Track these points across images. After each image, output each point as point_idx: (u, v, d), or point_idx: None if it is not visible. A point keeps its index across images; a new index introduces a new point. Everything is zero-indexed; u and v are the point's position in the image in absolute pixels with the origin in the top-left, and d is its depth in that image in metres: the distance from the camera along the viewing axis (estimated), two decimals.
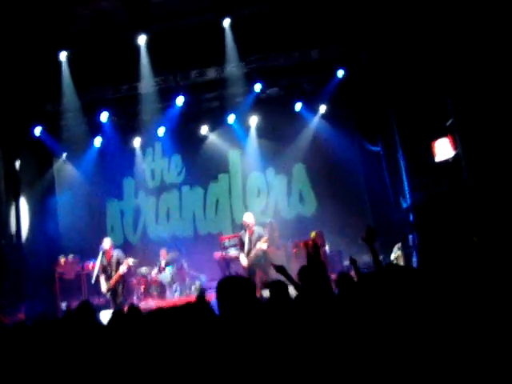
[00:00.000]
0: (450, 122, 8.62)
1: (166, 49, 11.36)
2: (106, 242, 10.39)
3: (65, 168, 14.01)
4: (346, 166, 12.65)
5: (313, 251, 5.52)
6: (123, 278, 10.37)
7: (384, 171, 11.86)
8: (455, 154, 8.68)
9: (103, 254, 10.33)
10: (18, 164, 12.79)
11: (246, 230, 10.13)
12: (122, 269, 10.02)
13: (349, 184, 12.58)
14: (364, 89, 11.96)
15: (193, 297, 10.42)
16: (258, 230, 10.08)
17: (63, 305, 11.01)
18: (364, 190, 12.53)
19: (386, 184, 11.81)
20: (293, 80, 12.36)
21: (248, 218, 10.20)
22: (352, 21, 10.83)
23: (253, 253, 9.84)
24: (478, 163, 8.03)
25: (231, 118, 13.26)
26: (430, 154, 9.37)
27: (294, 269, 10.44)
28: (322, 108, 12.96)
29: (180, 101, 12.40)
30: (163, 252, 12.25)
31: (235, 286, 2.80)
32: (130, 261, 10.28)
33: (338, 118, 12.94)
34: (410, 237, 10.65)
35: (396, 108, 10.80)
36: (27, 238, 12.54)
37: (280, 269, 5.42)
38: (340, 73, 11.85)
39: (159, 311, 4.40)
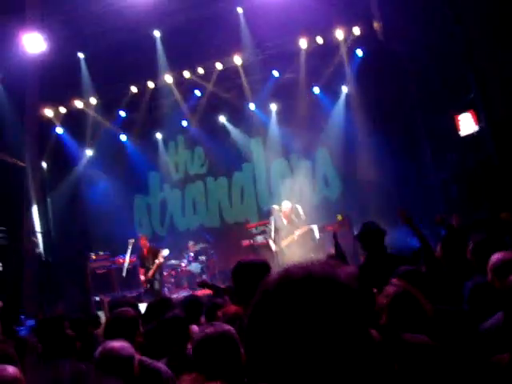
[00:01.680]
0: (471, 95, 8.47)
1: (181, 41, 11.39)
2: (141, 237, 10.83)
3: (90, 166, 14.16)
4: (369, 147, 12.50)
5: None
6: (161, 269, 10.81)
7: (408, 148, 11.70)
8: (479, 129, 8.53)
9: (139, 248, 10.73)
10: (44, 164, 13.07)
11: (275, 217, 10.17)
12: (159, 260, 10.45)
13: (373, 164, 12.42)
14: (383, 67, 11.79)
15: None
16: (293, 218, 10.17)
17: (96, 299, 11.24)
18: (389, 169, 12.37)
19: (411, 161, 11.66)
20: (311, 64, 12.24)
21: (286, 206, 10.27)
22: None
23: (286, 241, 9.88)
24: (504, 137, 7.88)
25: (252, 106, 13.24)
26: (454, 128, 9.21)
27: (321, 253, 10.54)
28: (343, 89, 12.81)
29: (199, 92, 12.45)
30: (191, 244, 12.38)
31: (251, 270, 2.75)
32: (165, 252, 10.75)
33: (358, 99, 12.78)
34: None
35: (418, 83, 10.65)
36: (58, 237, 12.83)
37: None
38: (359, 52, 11.69)
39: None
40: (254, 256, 10.97)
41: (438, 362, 2.11)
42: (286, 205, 10.30)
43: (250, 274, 2.71)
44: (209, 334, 2.30)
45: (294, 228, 10.04)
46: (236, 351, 2.27)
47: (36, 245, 12.06)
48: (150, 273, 10.59)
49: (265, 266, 2.80)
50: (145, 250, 10.84)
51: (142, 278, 10.71)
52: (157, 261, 10.59)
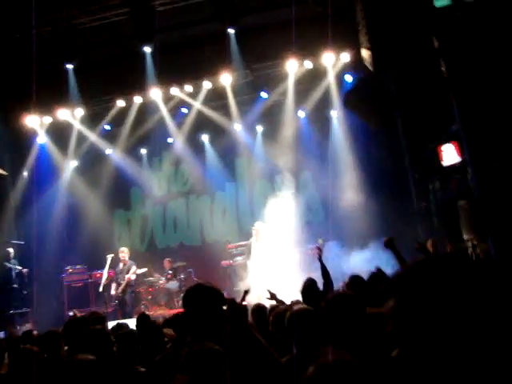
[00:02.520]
0: (455, 127, 8.58)
1: (171, 58, 11.42)
2: (124, 251, 10.73)
3: (73, 179, 14.02)
4: (352, 172, 12.59)
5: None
6: (131, 287, 10.62)
7: (390, 176, 11.81)
8: (461, 160, 8.63)
9: (115, 262, 10.60)
10: (25, 174, 12.91)
11: (255, 238, 10.18)
12: (131, 276, 10.33)
13: (356, 192, 12.48)
14: (370, 95, 11.92)
15: None
16: (266, 239, 10.17)
17: (70, 313, 11.03)
18: (372, 196, 12.44)
19: (393, 189, 11.74)
20: (299, 87, 12.35)
21: (259, 226, 10.26)
22: (357, 29, 10.84)
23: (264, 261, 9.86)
24: (485, 170, 7.97)
25: (237, 127, 13.29)
26: (437, 159, 9.32)
27: (302, 276, 10.48)
28: (332, 114, 12.92)
29: (186, 110, 12.48)
30: (166, 262, 12.24)
31: (202, 294, 2.68)
32: (139, 270, 10.61)
33: (344, 124, 12.90)
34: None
35: (402, 113, 10.78)
36: (35, 248, 12.61)
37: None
38: (348, 78, 11.83)
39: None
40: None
41: None
42: (258, 225, 10.33)
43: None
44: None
45: (265, 248, 10.06)
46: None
47: (9, 255, 11.80)
48: (120, 289, 10.46)
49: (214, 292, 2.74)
50: (121, 265, 10.71)
51: (113, 292, 10.59)
52: (127, 276, 10.44)
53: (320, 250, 6.34)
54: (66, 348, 4.47)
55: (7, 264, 11.44)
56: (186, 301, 2.69)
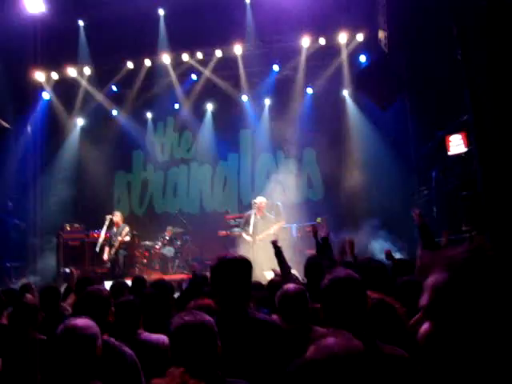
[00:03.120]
0: (465, 117, 8.53)
1: (184, 24, 11.28)
2: (117, 215, 10.73)
3: (77, 137, 13.98)
4: (357, 155, 12.58)
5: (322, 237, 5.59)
6: (125, 249, 10.69)
7: (395, 161, 11.79)
8: (468, 150, 8.61)
9: (112, 224, 10.60)
10: (29, 129, 12.85)
11: (255, 211, 10.18)
12: (125, 238, 10.40)
13: (358, 172, 12.48)
14: (382, 77, 11.83)
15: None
16: (269, 216, 10.20)
17: (67, 270, 11.12)
18: (373, 179, 12.44)
19: (396, 174, 11.75)
20: (311, 63, 12.24)
21: (262, 201, 10.27)
22: (374, 7, 10.70)
23: (261, 235, 9.88)
24: (491, 161, 7.96)
25: (244, 98, 13.21)
26: (443, 148, 9.29)
27: (297, 252, 10.58)
28: (344, 93, 12.82)
29: (194, 76, 12.37)
30: (169, 229, 12.28)
31: (231, 266, 2.72)
32: (129, 232, 10.67)
33: (355, 104, 12.84)
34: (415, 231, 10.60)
35: (412, 98, 10.72)
36: (34, 203, 12.66)
37: (276, 247, 5.40)
38: (362, 58, 11.69)
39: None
40: (230, 250, 10.98)
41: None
42: (260, 199, 10.33)
43: (231, 271, 2.71)
44: (188, 322, 2.25)
45: (267, 223, 10.08)
46: (214, 343, 2.24)
47: (7, 208, 11.85)
48: (113, 250, 10.55)
49: (245, 263, 2.79)
50: (115, 227, 10.76)
51: (105, 256, 10.63)
52: (119, 237, 10.53)
53: (315, 227, 6.33)
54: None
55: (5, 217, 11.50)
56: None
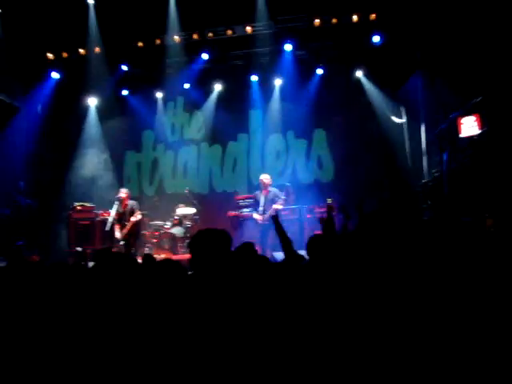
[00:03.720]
0: (478, 99, 8.44)
1: (195, 2, 11.18)
2: (123, 192, 10.70)
3: (93, 116, 13.99)
4: (367, 135, 12.52)
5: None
6: (136, 229, 10.71)
7: (406, 143, 11.75)
8: (481, 132, 8.52)
9: (120, 202, 10.58)
10: (39, 108, 12.86)
11: (261, 190, 10.23)
12: (134, 219, 10.40)
13: (369, 154, 12.43)
14: (394, 58, 11.71)
15: None
16: (273, 190, 10.20)
17: (79, 249, 11.24)
18: (383, 161, 12.40)
19: (406, 157, 11.71)
20: (322, 44, 12.11)
21: (265, 178, 10.30)
22: None
23: (268, 213, 9.92)
24: (504, 144, 7.89)
25: (254, 78, 13.12)
26: (455, 130, 9.20)
27: (306, 233, 10.61)
28: (357, 74, 12.69)
29: (205, 56, 12.29)
30: (180, 207, 12.35)
31: (209, 238, 2.77)
32: (141, 212, 10.70)
33: (362, 86, 12.73)
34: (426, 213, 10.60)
35: (424, 80, 10.60)
36: (45, 183, 12.77)
37: (274, 218, 5.39)
38: (376, 38, 11.50)
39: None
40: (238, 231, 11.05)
41: None
42: (263, 176, 10.39)
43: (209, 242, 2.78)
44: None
45: (271, 202, 10.17)
46: None
47: (20, 188, 11.95)
48: (125, 230, 10.57)
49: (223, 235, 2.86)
50: (123, 206, 10.75)
51: (118, 234, 10.62)
52: (133, 218, 10.55)
53: (330, 208, 6.36)
54: None
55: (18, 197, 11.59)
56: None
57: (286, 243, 4.90)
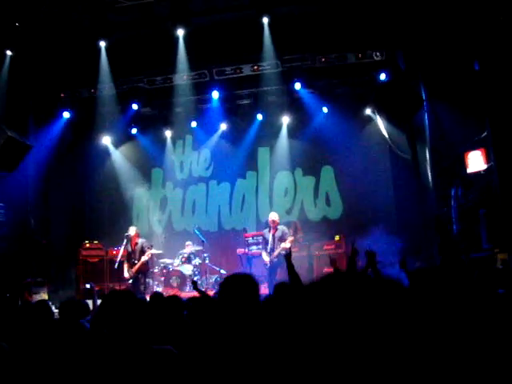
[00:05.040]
0: (484, 134, 8.48)
1: (203, 43, 11.42)
2: (132, 230, 10.69)
3: (96, 154, 14.18)
4: (375, 172, 12.54)
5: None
6: (146, 267, 10.66)
7: (413, 179, 11.74)
8: (488, 167, 8.52)
9: (128, 241, 10.57)
10: (50, 147, 13.04)
11: (270, 229, 10.20)
12: (144, 258, 10.32)
13: (377, 190, 12.43)
14: (399, 95, 11.82)
15: (211, 291, 10.53)
16: (282, 229, 10.15)
17: (87, 286, 11.23)
18: (392, 197, 12.38)
19: (413, 192, 11.69)
20: (328, 81, 12.29)
21: (273, 216, 10.28)
22: (390, 27, 10.73)
23: (276, 252, 9.88)
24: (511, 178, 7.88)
25: (260, 116, 13.28)
26: (461, 165, 9.22)
27: (315, 270, 10.54)
28: (366, 111, 12.83)
29: (215, 95, 12.47)
30: (188, 244, 12.36)
31: (238, 283, 2.77)
32: (153, 251, 10.59)
33: (370, 122, 12.85)
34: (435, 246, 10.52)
35: (431, 115, 10.67)
36: (54, 220, 12.84)
37: (287, 257, 5.38)
38: (382, 76, 11.62)
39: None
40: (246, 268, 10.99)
41: None
42: (271, 216, 10.34)
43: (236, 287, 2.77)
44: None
45: (279, 240, 10.11)
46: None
47: (30, 225, 12.03)
48: (134, 268, 10.48)
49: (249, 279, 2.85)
50: (132, 244, 10.70)
51: (126, 273, 10.58)
52: (144, 258, 10.49)
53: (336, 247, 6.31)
54: None
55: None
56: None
57: (295, 282, 4.90)
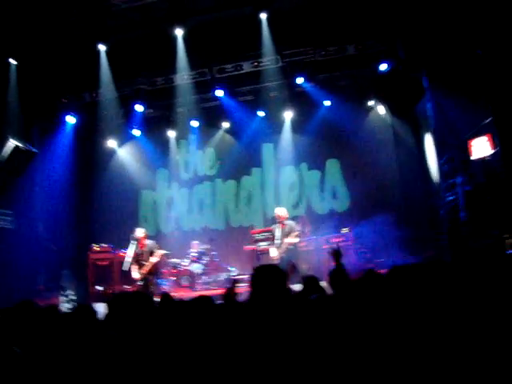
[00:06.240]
0: (488, 120, 8.42)
1: (202, 41, 11.40)
2: (139, 232, 10.62)
3: (101, 157, 14.23)
4: (380, 162, 12.52)
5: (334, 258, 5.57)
6: (155, 268, 10.61)
7: (418, 168, 11.71)
8: (493, 152, 8.48)
9: (136, 243, 10.54)
10: (55, 152, 13.08)
11: (277, 224, 10.18)
12: (155, 259, 10.27)
13: (383, 180, 12.40)
14: (401, 84, 11.79)
15: (222, 289, 10.52)
16: (289, 223, 10.12)
17: (99, 288, 11.30)
18: (398, 186, 12.35)
19: (419, 180, 11.65)
20: (329, 75, 12.25)
21: (280, 211, 10.24)
22: (389, 16, 10.67)
23: (284, 246, 9.86)
24: None
25: (261, 113, 13.26)
26: (466, 152, 9.17)
27: (324, 263, 10.52)
28: (369, 103, 12.79)
29: (220, 93, 12.44)
30: (195, 244, 12.39)
31: (269, 273, 2.85)
32: (162, 252, 10.55)
33: (374, 114, 12.82)
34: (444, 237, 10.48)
35: (434, 104, 10.62)
36: (62, 224, 12.90)
37: (335, 253, 5.46)
38: (383, 66, 11.52)
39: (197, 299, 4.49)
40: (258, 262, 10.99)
41: None
42: (278, 211, 10.25)
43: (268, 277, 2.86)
44: None
45: (285, 235, 10.06)
46: None
47: (38, 230, 12.11)
48: (144, 269, 10.38)
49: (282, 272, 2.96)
50: (140, 246, 10.60)
51: (135, 274, 10.30)
52: (153, 259, 10.35)
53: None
54: None
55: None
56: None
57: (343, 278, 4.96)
